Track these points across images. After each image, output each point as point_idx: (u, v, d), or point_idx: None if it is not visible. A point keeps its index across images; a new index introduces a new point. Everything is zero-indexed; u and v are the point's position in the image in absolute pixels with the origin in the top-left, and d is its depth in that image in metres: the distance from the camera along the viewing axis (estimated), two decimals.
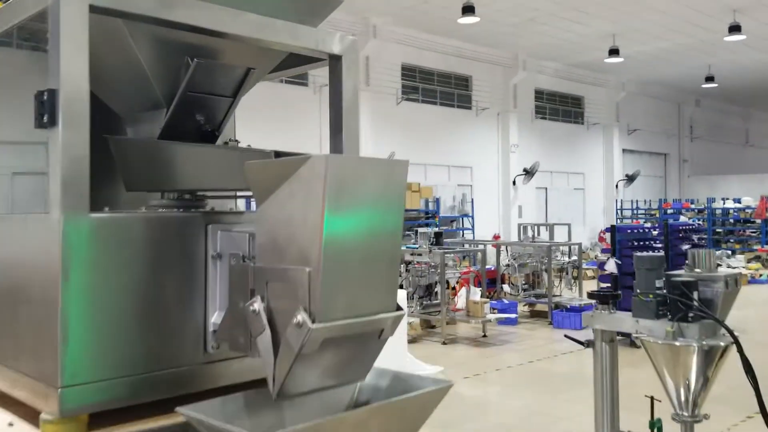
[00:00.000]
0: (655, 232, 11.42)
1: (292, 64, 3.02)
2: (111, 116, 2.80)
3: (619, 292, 4.00)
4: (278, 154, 2.21)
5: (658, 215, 24.26)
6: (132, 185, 2.70)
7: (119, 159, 2.70)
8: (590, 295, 4.08)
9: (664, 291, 3.30)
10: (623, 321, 3.45)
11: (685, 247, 11.10)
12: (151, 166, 2.62)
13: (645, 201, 26.56)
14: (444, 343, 10.63)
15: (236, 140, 3.40)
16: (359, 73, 2.93)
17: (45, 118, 2.11)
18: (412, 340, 10.42)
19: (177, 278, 2.35)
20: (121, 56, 2.49)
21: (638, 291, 3.39)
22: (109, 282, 2.18)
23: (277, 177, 2.02)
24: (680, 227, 11.93)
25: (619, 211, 25.59)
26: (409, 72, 19.37)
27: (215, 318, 2.40)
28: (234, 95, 2.66)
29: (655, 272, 3.39)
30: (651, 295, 3.33)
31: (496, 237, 19.50)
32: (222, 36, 2.48)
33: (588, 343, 3.65)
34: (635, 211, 25.73)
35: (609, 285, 10.42)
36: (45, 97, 2.11)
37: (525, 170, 21.49)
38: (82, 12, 2.14)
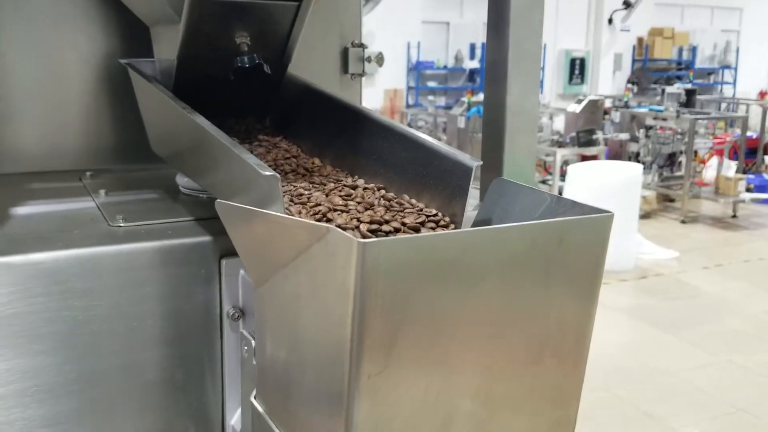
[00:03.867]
0: None
1: None
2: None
3: None
4: None
5: None
6: (153, 143, 1.66)
7: (139, 101, 1.66)
8: None
9: None
10: None
11: None
12: (161, 127, 1.55)
13: None
14: (683, 222, 9.39)
15: (361, 44, 2.21)
16: None
17: None
18: (644, 216, 9.24)
19: (170, 355, 1.31)
20: None
21: None
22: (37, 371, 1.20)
23: (273, 243, 0.86)
24: None
25: None
26: None
27: (235, 420, 1.35)
28: None
29: None
30: None
31: (763, 94, 16.65)
32: None
33: None
34: None
35: None
36: None
37: None
38: None
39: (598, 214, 0.86)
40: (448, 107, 12.83)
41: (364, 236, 1.04)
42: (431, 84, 14.56)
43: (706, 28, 17.37)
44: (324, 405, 0.80)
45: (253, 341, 1.16)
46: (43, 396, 1.22)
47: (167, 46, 1.64)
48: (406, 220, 1.10)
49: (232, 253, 1.32)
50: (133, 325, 1.27)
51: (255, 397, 1.04)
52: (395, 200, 1.21)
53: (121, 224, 1.35)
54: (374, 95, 12.95)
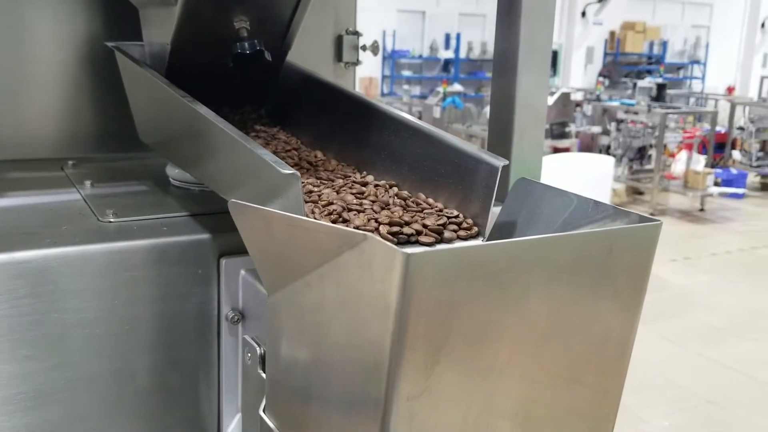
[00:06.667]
0: None
1: None
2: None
3: None
4: None
5: None
6: (141, 131, 1.57)
7: (126, 86, 1.56)
8: None
9: None
10: None
11: None
12: (152, 115, 1.46)
13: None
14: (652, 215, 9.40)
15: (356, 31, 2.13)
16: None
17: None
18: None
19: (164, 360, 1.23)
20: None
21: None
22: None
23: (296, 249, 0.79)
24: None
25: None
26: None
27: (232, 429, 1.28)
28: None
29: None
30: None
31: (730, 90, 16.85)
32: None
33: None
34: None
35: None
36: None
37: None
38: None
39: (649, 223, 0.80)
40: (423, 96, 12.75)
41: (384, 239, 0.97)
42: (406, 73, 14.46)
43: (677, 23, 17.50)
44: (353, 427, 0.74)
45: (258, 348, 1.08)
46: (29, 403, 1.13)
47: (158, 29, 1.54)
48: (427, 222, 1.03)
49: (231, 251, 1.24)
50: (125, 329, 1.19)
51: (264, 410, 0.97)
52: (411, 199, 1.14)
53: (112, 219, 1.26)
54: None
